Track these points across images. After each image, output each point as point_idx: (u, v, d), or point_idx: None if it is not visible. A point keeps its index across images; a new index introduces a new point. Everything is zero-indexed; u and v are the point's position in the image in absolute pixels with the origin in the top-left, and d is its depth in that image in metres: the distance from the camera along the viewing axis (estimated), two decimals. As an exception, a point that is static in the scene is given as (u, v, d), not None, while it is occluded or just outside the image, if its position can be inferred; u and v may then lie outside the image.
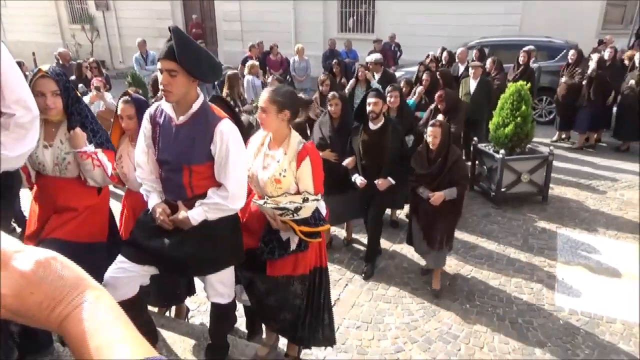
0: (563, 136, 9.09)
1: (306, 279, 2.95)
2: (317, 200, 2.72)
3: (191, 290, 3.72)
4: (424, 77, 6.80)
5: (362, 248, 5.20)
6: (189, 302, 3.96)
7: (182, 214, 2.50)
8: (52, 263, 0.63)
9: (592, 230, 5.65)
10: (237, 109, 5.47)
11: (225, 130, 2.43)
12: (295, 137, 2.79)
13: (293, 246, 2.79)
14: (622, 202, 6.43)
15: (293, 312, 2.99)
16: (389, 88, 5.43)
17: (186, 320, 3.90)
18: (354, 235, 5.43)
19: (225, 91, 6.39)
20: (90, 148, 2.79)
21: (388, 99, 5.14)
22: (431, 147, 4.26)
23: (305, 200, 2.68)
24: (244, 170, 2.59)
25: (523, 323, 4.04)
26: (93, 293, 0.63)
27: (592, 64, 8.12)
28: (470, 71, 7.23)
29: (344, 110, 4.77)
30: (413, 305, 4.25)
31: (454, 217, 4.43)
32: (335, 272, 4.80)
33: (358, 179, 4.48)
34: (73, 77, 8.23)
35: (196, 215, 2.49)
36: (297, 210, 2.65)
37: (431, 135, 4.22)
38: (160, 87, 2.34)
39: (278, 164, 2.73)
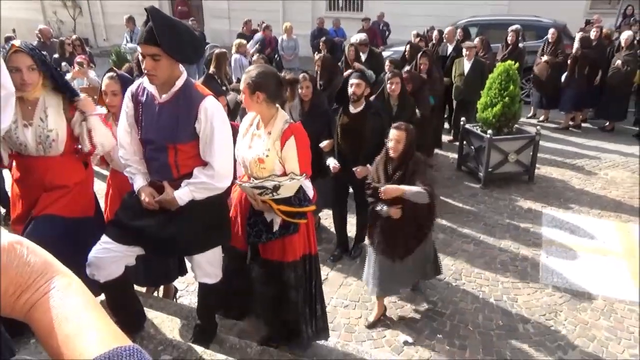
0: (542, 117, 9.13)
1: (298, 266, 2.94)
2: (298, 179, 2.68)
3: (182, 270, 3.71)
4: (421, 60, 6.34)
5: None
6: (177, 282, 3.97)
7: (168, 194, 2.46)
8: (18, 248, 0.59)
9: (577, 209, 5.74)
10: (224, 88, 5.40)
11: (210, 107, 2.39)
12: (282, 117, 2.75)
13: (276, 227, 2.77)
14: (606, 181, 6.52)
15: (293, 311, 2.98)
16: (388, 74, 5.04)
17: (174, 300, 3.91)
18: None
19: (212, 70, 6.30)
20: (100, 110, 2.86)
21: (388, 85, 4.88)
22: (392, 153, 3.48)
23: (291, 179, 2.65)
24: (230, 148, 2.55)
25: (508, 300, 4.12)
26: (62, 280, 0.60)
27: (576, 44, 8.14)
28: (465, 52, 7.15)
29: (315, 93, 4.54)
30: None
31: (421, 233, 3.59)
32: (323, 251, 4.82)
33: (332, 163, 4.21)
34: (56, 55, 8.06)
35: (183, 195, 2.46)
36: (276, 188, 2.61)
37: (393, 140, 3.44)
38: (145, 71, 2.29)
39: (263, 143, 2.70)
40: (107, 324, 0.58)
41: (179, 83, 2.39)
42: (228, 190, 2.76)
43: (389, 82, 4.91)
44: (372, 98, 4.93)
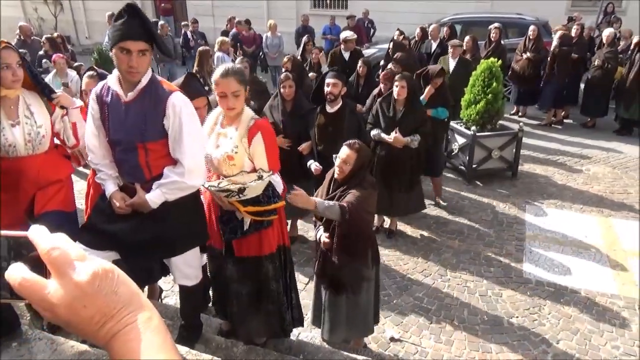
0: (520, 113, 9.24)
1: (275, 258, 2.93)
2: (266, 177, 2.65)
3: (166, 270, 3.67)
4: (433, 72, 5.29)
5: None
6: (162, 282, 3.93)
7: (140, 197, 2.40)
8: (110, 276, 0.60)
9: (559, 204, 5.82)
10: (206, 87, 5.34)
11: (178, 102, 2.35)
12: (248, 114, 2.72)
13: (246, 226, 2.74)
14: (588, 176, 6.62)
15: (274, 301, 2.98)
16: (397, 77, 4.56)
17: (160, 300, 3.87)
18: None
19: (195, 68, 6.26)
20: (78, 102, 2.87)
21: (395, 89, 4.49)
22: (336, 175, 3.01)
23: (259, 178, 2.63)
24: (200, 144, 2.49)
25: (492, 295, 4.16)
26: (145, 314, 0.62)
27: (555, 41, 8.24)
28: (450, 50, 7.10)
29: (297, 93, 4.44)
30: (386, 281, 4.31)
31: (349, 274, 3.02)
32: (310, 250, 4.82)
33: (313, 165, 4.16)
34: (41, 52, 7.95)
35: (154, 198, 2.40)
36: (241, 191, 2.58)
37: (340, 159, 2.94)
38: (128, 69, 2.24)
39: (230, 140, 2.67)
40: None
41: (145, 80, 2.33)
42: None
43: (395, 84, 4.50)
44: (378, 100, 4.84)
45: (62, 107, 2.80)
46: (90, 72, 3.09)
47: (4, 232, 0.62)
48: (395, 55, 6.20)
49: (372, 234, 3.22)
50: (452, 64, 7.00)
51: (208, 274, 3.15)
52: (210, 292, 3.34)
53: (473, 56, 7.72)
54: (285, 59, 5.99)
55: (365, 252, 3.04)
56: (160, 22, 10.97)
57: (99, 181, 2.57)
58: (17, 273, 0.58)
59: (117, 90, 2.36)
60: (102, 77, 3.10)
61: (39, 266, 0.59)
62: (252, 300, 2.98)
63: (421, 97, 5.09)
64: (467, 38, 8.02)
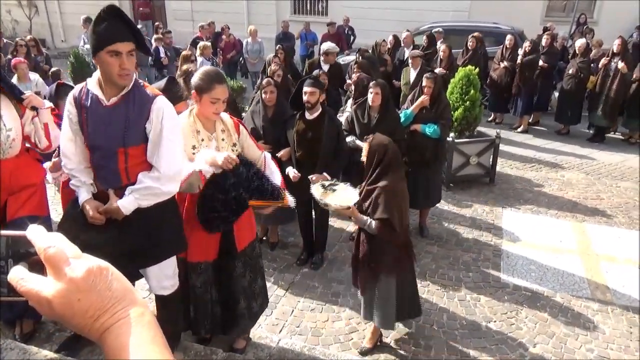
0: (497, 120, 9.40)
1: (246, 254, 3.02)
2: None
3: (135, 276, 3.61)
4: (425, 83, 4.85)
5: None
6: (141, 289, 3.86)
7: (112, 204, 2.34)
8: (104, 273, 0.63)
9: (535, 210, 5.93)
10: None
11: (161, 107, 2.34)
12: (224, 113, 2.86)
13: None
14: (563, 182, 6.76)
15: (246, 294, 3.04)
16: (371, 83, 4.53)
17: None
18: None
19: (177, 72, 6.20)
20: (47, 103, 2.84)
21: (369, 96, 4.44)
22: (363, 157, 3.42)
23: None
24: (179, 150, 2.45)
25: (470, 300, 4.20)
26: (137, 309, 0.64)
27: (521, 50, 8.44)
28: (410, 61, 6.98)
29: (278, 99, 4.43)
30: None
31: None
32: (290, 255, 4.80)
33: (291, 172, 4.11)
34: (10, 56, 7.74)
35: (127, 204, 2.33)
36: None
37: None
38: (121, 71, 2.18)
39: (226, 141, 2.78)
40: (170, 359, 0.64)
41: (129, 84, 2.29)
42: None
43: (369, 91, 4.45)
44: (352, 107, 4.82)
45: (32, 109, 2.74)
46: (65, 89, 3.10)
47: (3, 232, 0.65)
48: (358, 58, 6.28)
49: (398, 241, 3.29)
50: (412, 74, 6.85)
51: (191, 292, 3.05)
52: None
53: (450, 65, 7.82)
54: (274, 66, 5.69)
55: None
56: (139, 26, 10.82)
57: (73, 187, 2.49)
58: (17, 273, 0.62)
59: (98, 94, 2.30)
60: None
61: (38, 268, 0.63)
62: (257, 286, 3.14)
63: (410, 110, 4.94)
64: (442, 47, 8.08)
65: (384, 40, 8.57)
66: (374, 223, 3.14)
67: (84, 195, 2.42)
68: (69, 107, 2.38)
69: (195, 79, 2.70)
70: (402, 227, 3.18)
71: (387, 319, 3.38)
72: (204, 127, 2.77)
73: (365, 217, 3.19)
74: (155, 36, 9.81)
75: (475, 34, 8.71)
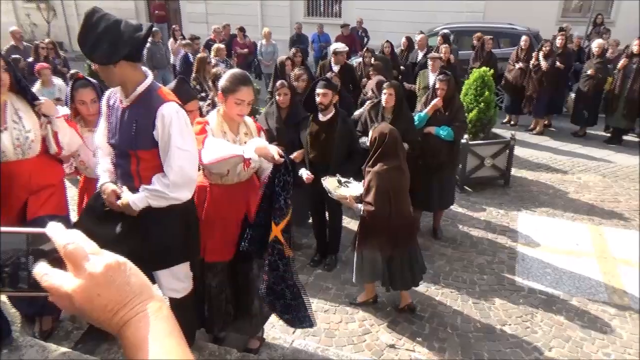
0: (512, 122, 9.31)
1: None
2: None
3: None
4: (439, 85, 4.81)
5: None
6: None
7: (124, 198, 2.36)
8: (122, 268, 0.65)
9: (551, 212, 5.86)
10: (204, 93, 5.35)
11: (167, 114, 2.25)
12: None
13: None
14: (579, 185, 6.68)
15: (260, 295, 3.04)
16: (385, 84, 4.56)
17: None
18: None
19: (193, 74, 6.31)
20: (63, 110, 2.86)
21: (383, 97, 4.47)
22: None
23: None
24: (190, 157, 2.37)
25: (485, 303, 4.17)
26: (155, 304, 0.66)
27: (541, 55, 8.28)
28: (430, 63, 6.61)
29: (292, 101, 4.43)
30: (379, 289, 4.31)
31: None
32: (303, 257, 4.82)
33: (304, 174, 3.98)
34: (31, 59, 7.90)
35: (137, 200, 2.34)
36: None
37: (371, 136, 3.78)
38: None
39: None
40: (187, 353, 0.66)
41: (141, 88, 2.29)
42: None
43: (383, 92, 4.47)
44: (366, 108, 4.82)
45: (44, 115, 2.77)
46: (81, 81, 3.09)
47: (24, 229, 0.67)
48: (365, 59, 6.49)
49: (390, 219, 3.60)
50: (431, 78, 6.38)
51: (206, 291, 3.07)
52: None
53: (450, 64, 7.55)
54: (298, 71, 5.54)
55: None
56: (154, 29, 10.90)
57: (100, 172, 2.54)
58: (41, 269, 0.64)
59: (119, 95, 2.37)
60: (93, 84, 3.13)
61: (59, 264, 0.64)
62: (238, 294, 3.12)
63: (424, 112, 4.84)
64: (443, 47, 7.74)
65: (387, 41, 8.47)
66: (361, 206, 3.62)
67: (104, 178, 2.49)
68: (103, 103, 2.50)
69: (222, 81, 2.75)
70: (392, 211, 3.52)
71: (359, 278, 3.92)
72: (229, 128, 2.80)
73: (359, 206, 3.64)
74: (183, 42, 9.56)
75: (477, 34, 8.67)
